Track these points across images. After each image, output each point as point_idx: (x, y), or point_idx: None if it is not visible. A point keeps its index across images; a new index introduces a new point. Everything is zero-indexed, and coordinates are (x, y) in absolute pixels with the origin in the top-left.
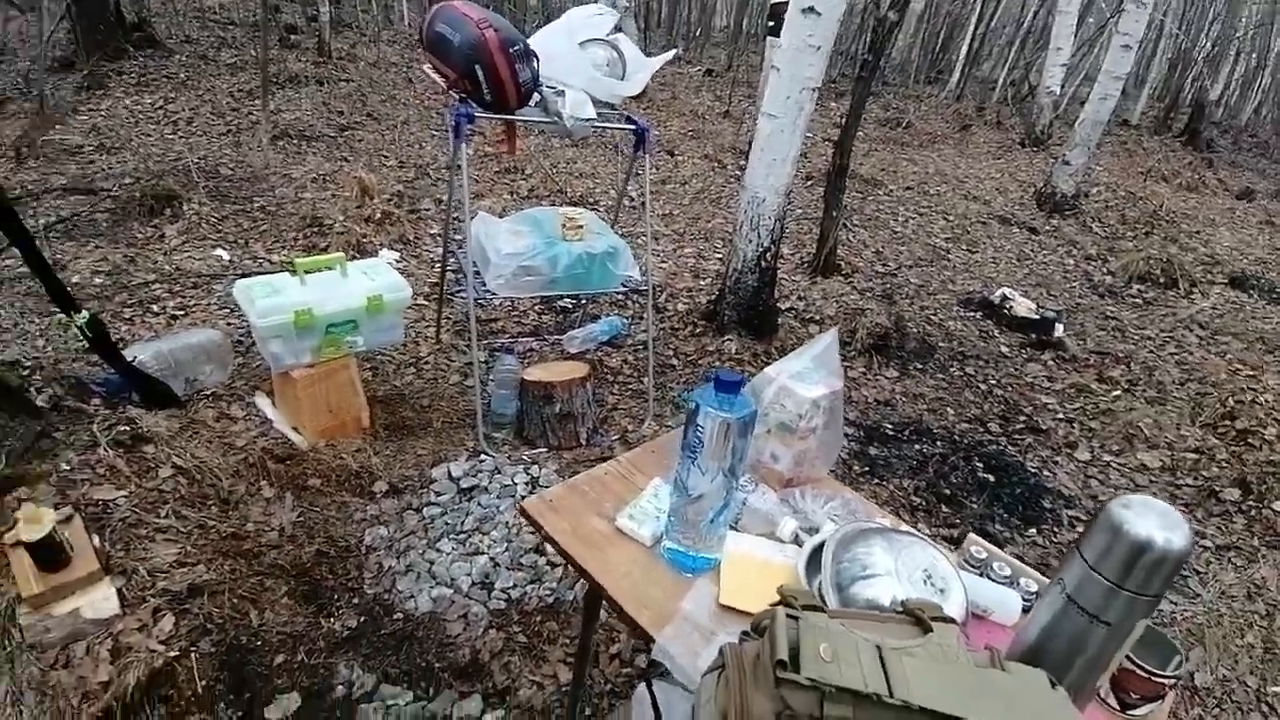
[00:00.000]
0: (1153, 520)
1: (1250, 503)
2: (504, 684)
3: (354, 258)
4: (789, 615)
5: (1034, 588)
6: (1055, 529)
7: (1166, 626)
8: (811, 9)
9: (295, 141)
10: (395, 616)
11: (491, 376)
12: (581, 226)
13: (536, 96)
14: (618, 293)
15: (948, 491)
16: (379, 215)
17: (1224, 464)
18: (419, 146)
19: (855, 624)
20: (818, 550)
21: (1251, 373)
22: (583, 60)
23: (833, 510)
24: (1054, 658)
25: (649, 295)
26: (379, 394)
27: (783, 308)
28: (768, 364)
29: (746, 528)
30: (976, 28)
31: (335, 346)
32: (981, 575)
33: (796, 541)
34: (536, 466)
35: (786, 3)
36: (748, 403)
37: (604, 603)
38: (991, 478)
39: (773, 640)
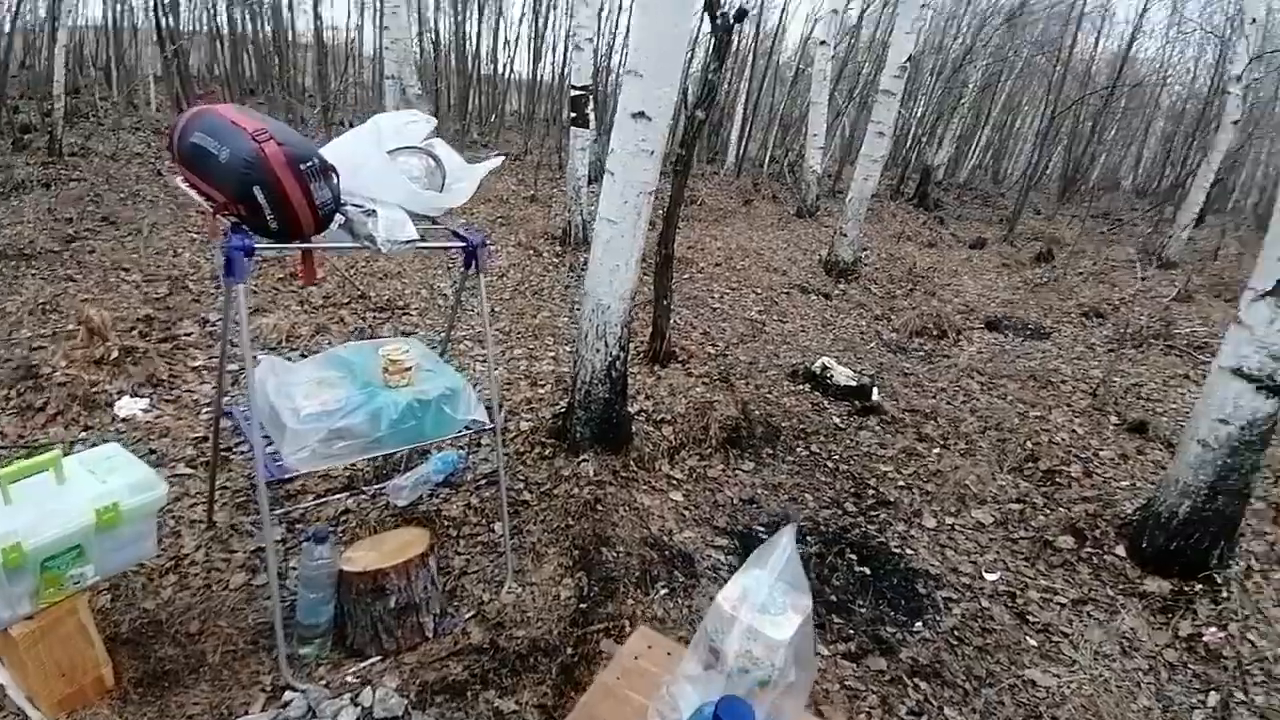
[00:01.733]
0: None
1: (1089, 549)
2: None
3: (71, 445)
4: None
5: None
6: (937, 617)
7: (1058, 706)
8: (642, 114)
9: (11, 263)
10: None
11: (297, 574)
12: (409, 369)
13: (340, 218)
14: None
15: (834, 599)
16: (114, 354)
17: (1044, 510)
18: (172, 254)
19: None
20: None
21: (1038, 414)
22: (394, 172)
23: None
24: None
25: (498, 434)
26: (123, 630)
27: (632, 411)
28: (627, 480)
29: None
30: (744, 112)
31: (57, 586)
32: None
33: None
34: (369, 690)
35: (586, 96)
36: None
37: None
38: (867, 570)
39: None
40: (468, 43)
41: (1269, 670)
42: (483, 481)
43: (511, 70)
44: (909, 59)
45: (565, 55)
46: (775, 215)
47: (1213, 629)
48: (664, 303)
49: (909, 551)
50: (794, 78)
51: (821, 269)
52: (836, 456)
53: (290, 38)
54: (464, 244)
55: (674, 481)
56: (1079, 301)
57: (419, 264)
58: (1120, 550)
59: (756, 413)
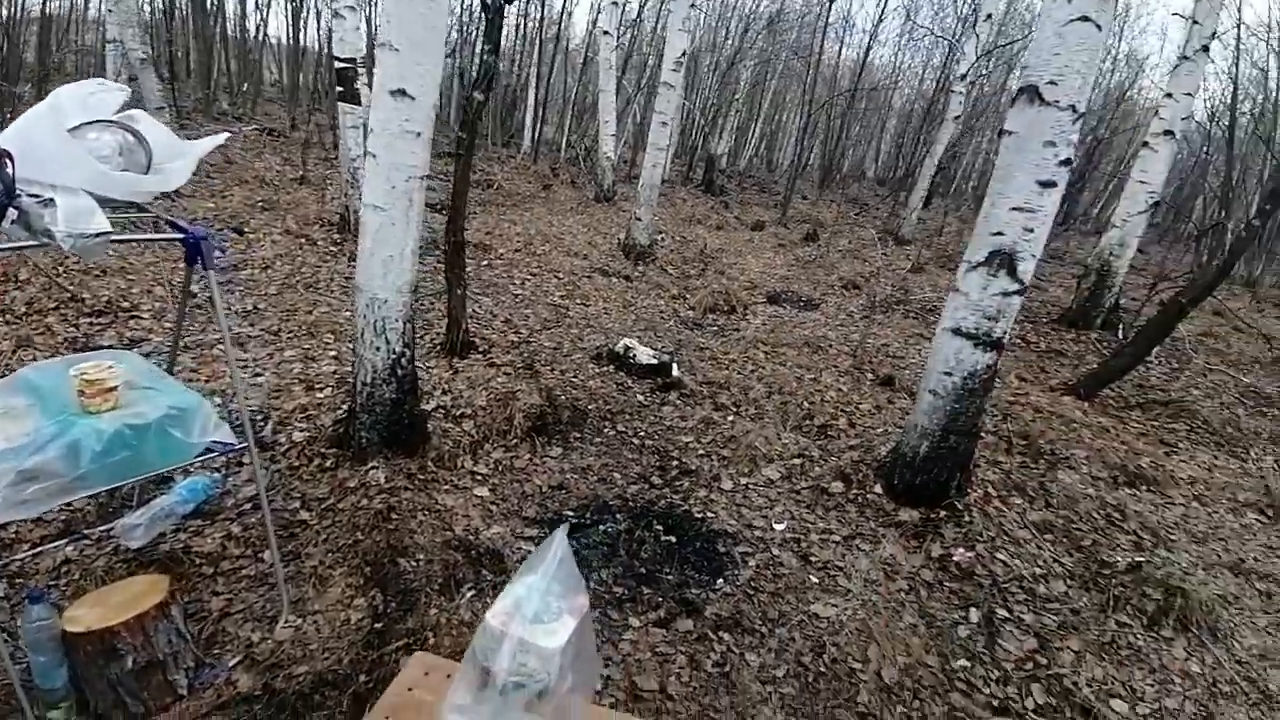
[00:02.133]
0: None
1: (854, 491)
2: None
3: None
4: None
5: None
6: (736, 571)
7: (837, 633)
8: (402, 92)
9: None
10: None
11: (22, 637)
12: (113, 389)
13: (13, 212)
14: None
15: (643, 570)
16: None
17: (820, 460)
18: None
19: None
20: None
21: (812, 376)
22: (77, 151)
23: None
24: None
25: (253, 453)
26: None
27: (428, 408)
28: (425, 481)
29: None
30: (536, 95)
31: None
32: None
33: None
34: None
35: (354, 69)
36: None
37: None
38: (673, 538)
39: None
40: (207, 2)
41: (1030, 589)
42: (247, 506)
43: (266, 35)
44: (683, 54)
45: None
46: (574, 200)
47: (960, 550)
48: (458, 292)
49: (710, 515)
50: (584, 64)
51: (620, 252)
52: (642, 433)
53: (19, 13)
54: (182, 237)
55: (479, 477)
56: (839, 275)
57: (149, 256)
58: (878, 489)
59: (562, 398)
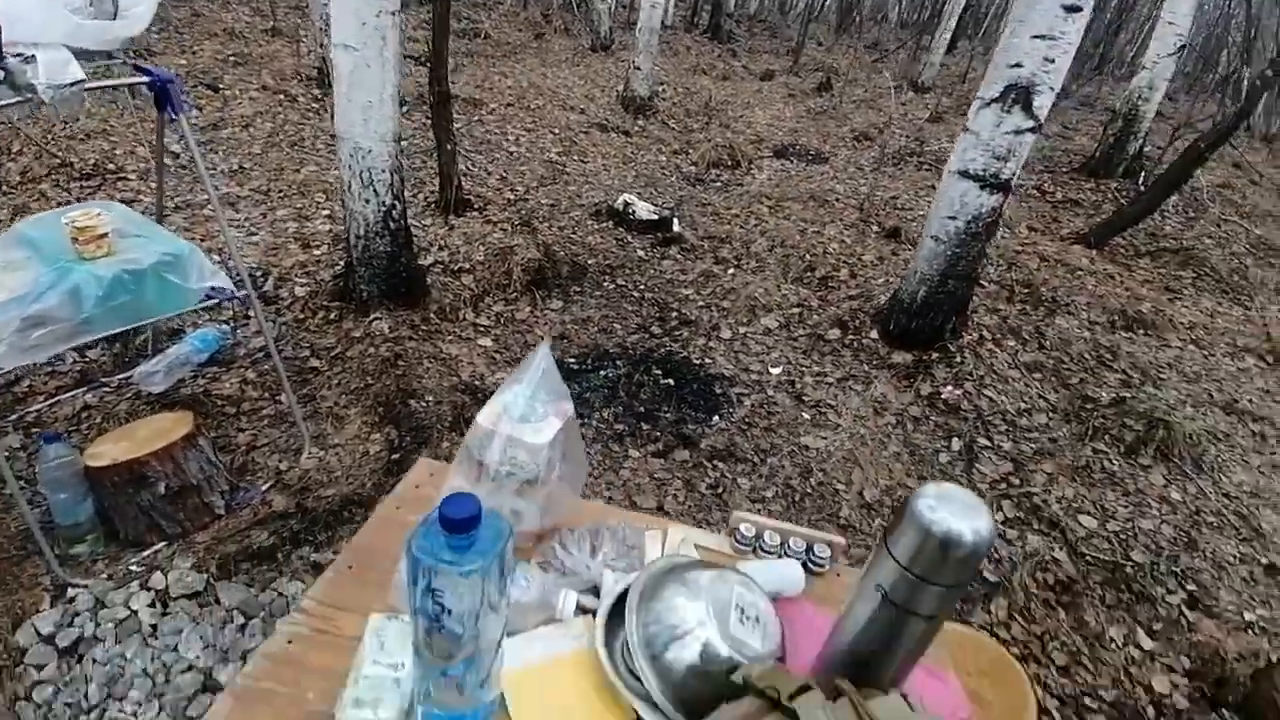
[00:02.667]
0: (957, 514)
1: (850, 336)
2: None
3: None
4: None
5: (802, 544)
6: (731, 410)
7: (824, 461)
8: None
9: None
10: None
11: (39, 478)
12: (103, 235)
13: (0, 73)
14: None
15: (642, 409)
16: None
17: (819, 310)
18: None
19: None
20: (612, 612)
21: (815, 229)
22: (56, 7)
23: (607, 556)
24: (876, 652)
25: (254, 300)
26: None
27: (426, 263)
28: (429, 332)
29: (516, 625)
30: None
31: None
32: (755, 553)
33: (581, 610)
34: (159, 573)
35: None
36: (497, 530)
37: None
38: (671, 381)
39: None
40: None
41: (1012, 421)
42: (259, 355)
43: None
44: None
45: None
46: (569, 49)
47: (949, 387)
48: (448, 147)
49: (708, 361)
50: None
51: (619, 105)
52: (642, 286)
53: None
54: (149, 79)
55: (481, 328)
56: (851, 127)
57: (129, 117)
58: (874, 334)
59: (561, 253)
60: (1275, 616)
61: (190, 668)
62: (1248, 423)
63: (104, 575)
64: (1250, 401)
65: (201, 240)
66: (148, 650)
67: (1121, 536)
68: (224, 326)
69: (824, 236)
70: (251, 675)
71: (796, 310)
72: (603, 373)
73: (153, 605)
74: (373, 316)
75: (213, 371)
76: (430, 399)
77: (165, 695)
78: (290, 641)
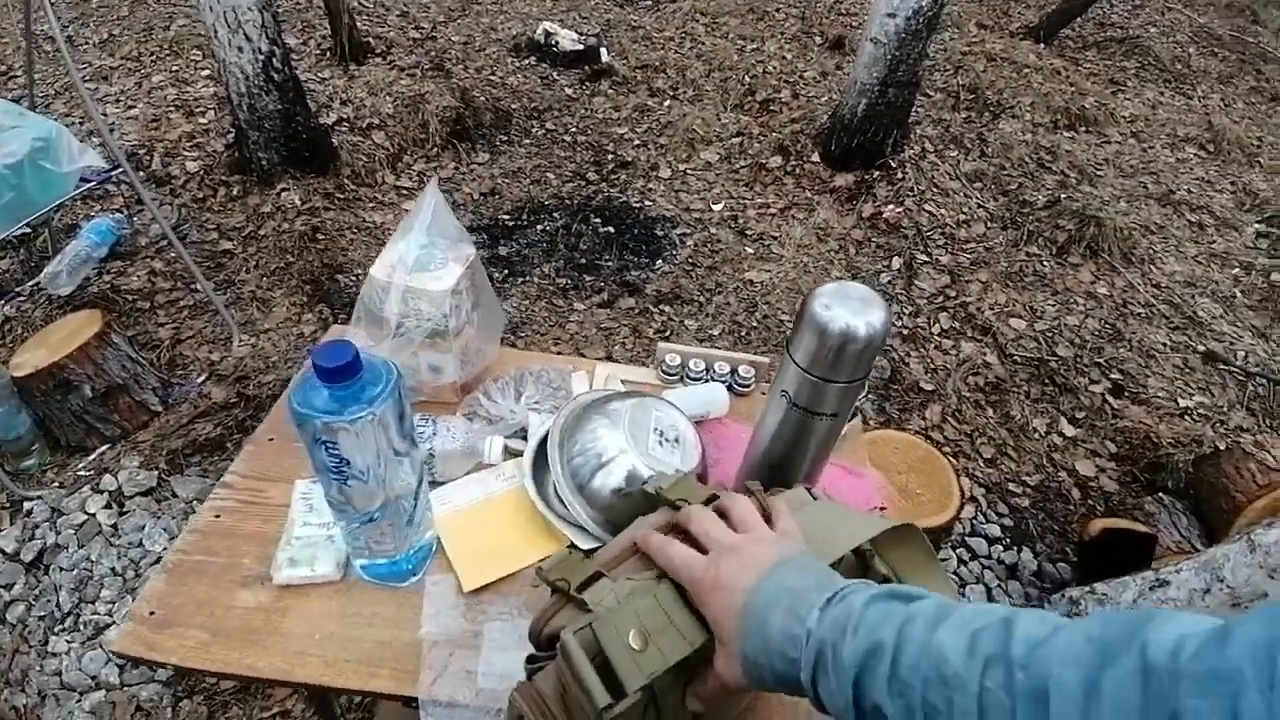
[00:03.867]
0: (851, 310)
1: (792, 163)
2: None
3: None
4: (575, 621)
5: (726, 367)
6: (674, 252)
7: (769, 293)
8: None
9: None
10: None
11: None
12: None
13: None
14: (83, 193)
15: (584, 260)
16: None
17: (759, 138)
18: None
19: (641, 562)
20: (537, 453)
21: (754, 46)
22: None
23: (529, 398)
24: (787, 455)
25: (129, 173)
26: None
27: (329, 122)
28: (346, 201)
29: (446, 474)
30: None
31: None
32: (682, 381)
33: (510, 454)
34: (109, 476)
35: None
36: (378, 372)
37: (342, 700)
38: (611, 229)
39: (577, 679)
40: None
41: (950, 234)
42: (163, 243)
43: None
44: None
45: None
46: None
47: (890, 206)
48: None
49: (648, 203)
50: None
51: None
52: (574, 129)
53: None
54: None
55: (403, 191)
56: None
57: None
58: (815, 157)
59: (481, 98)
60: (1217, 404)
61: (158, 560)
62: (1184, 213)
63: (55, 484)
64: (1188, 191)
65: (82, 123)
66: (112, 549)
67: (1048, 335)
68: (118, 215)
69: (764, 54)
70: (183, 550)
71: (737, 140)
72: (539, 226)
73: (109, 506)
74: (279, 188)
75: (117, 266)
76: (359, 271)
77: (137, 588)
78: (218, 515)
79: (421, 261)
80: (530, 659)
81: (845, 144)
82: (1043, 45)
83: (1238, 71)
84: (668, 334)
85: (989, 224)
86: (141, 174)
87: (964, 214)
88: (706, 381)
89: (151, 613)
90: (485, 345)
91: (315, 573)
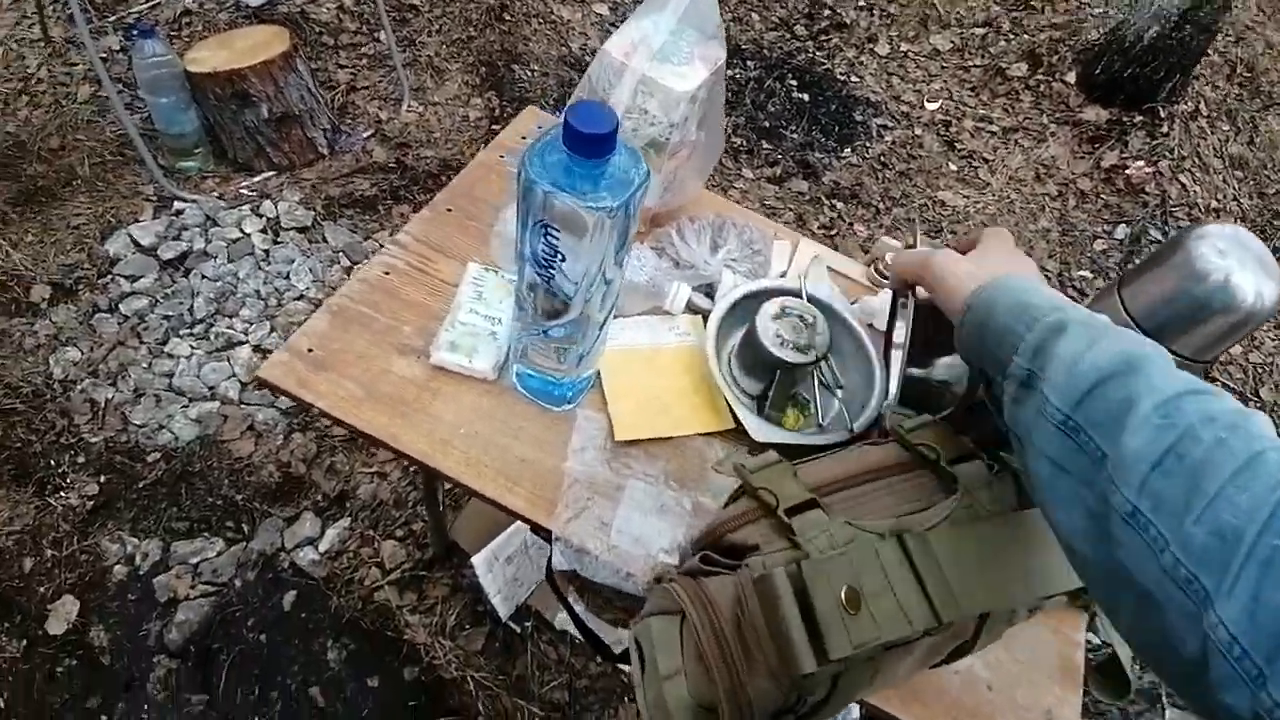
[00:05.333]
0: (1253, 270)
1: (1039, 76)
2: (336, 489)
3: None
4: (777, 550)
5: None
6: (867, 143)
7: (959, 221)
8: None
9: None
10: (151, 459)
11: (136, 79)
12: None
13: None
14: None
15: (766, 124)
16: None
17: (1009, 34)
18: None
19: (859, 501)
20: (724, 317)
21: None
22: None
23: (729, 254)
24: None
25: None
26: None
27: None
28: None
29: (621, 308)
30: None
31: None
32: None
33: (691, 310)
34: (269, 201)
35: None
36: (633, 164)
37: (447, 488)
38: (806, 96)
39: (776, 624)
40: None
41: (1196, 219)
42: None
43: None
44: None
45: None
46: None
47: (1140, 163)
48: None
49: (854, 79)
50: None
51: None
52: None
53: None
54: None
55: None
56: None
57: None
58: (1070, 77)
59: None
60: None
61: (301, 296)
62: None
63: (214, 194)
64: None
65: None
66: (260, 273)
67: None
68: None
69: None
70: (349, 296)
71: (981, 31)
72: (729, 72)
73: (264, 232)
74: None
75: None
76: (536, 68)
77: (277, 318)
78: (387, 273)
79: (665, 51)
80: (704, 558)
81: (1115, 71)
82: None
83: None
84: (834, 232)
85: (1239, 221)
86: None
87: (1218, 200)
88: None
89: (310, 350)
90: (692, 177)
91: (472, 365)
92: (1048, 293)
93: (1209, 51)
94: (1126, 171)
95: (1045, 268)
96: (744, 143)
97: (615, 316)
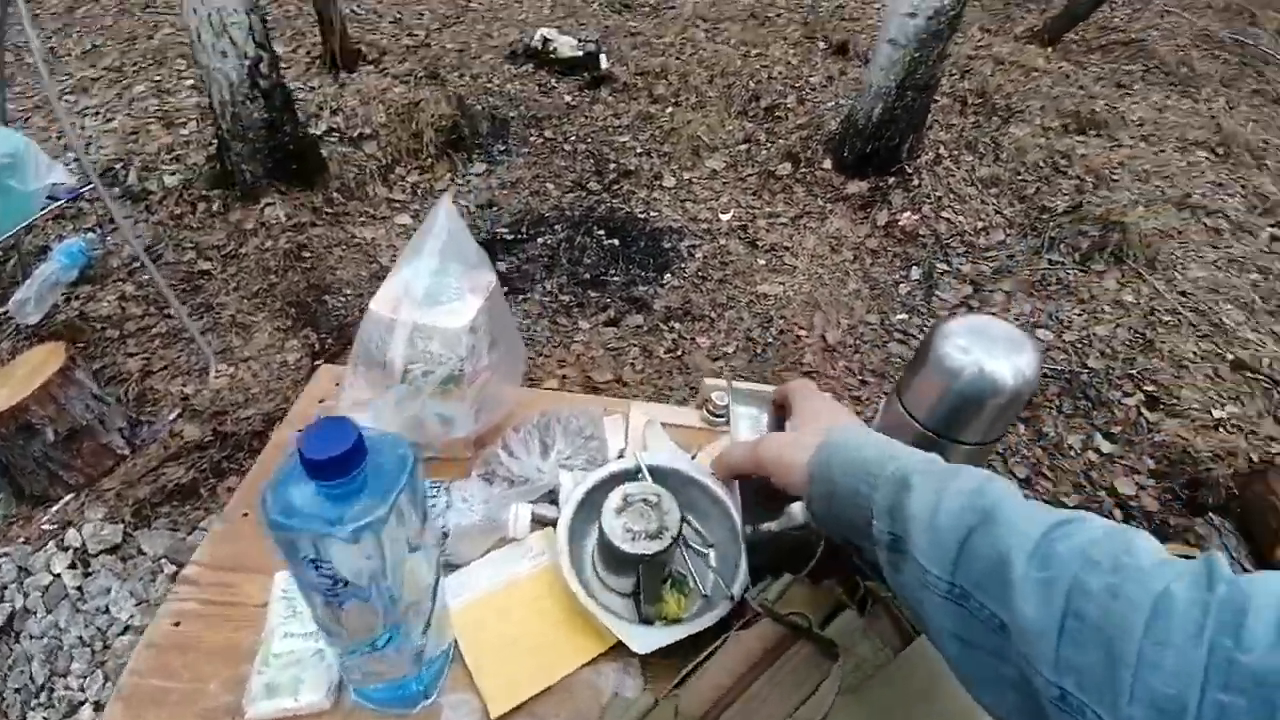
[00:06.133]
0: (994, 353)
1: (802, 170)
2: None
3: None
4: None
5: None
6: (682, 265)
7: (784, 307)
8: None
9: None
10: None
11: None
12: None
13: None
14: (52, 212)
15: (588, 275)
16: None
17: (767, 144)
18: None
19: (750, 713)
20: (573, 523)
21: (758, 52)
22: None
23: (559, 453)
24: None
25: (100, 188)
26: None
27: (317, 132)
28: (335, 216)
29: (461, 555)
30: None
31: None
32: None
33: (539, 524)
34: (72, 530)
35: None
36: (387, 456)
37: None
38: (616, 241)
39: None
40: None
41: (970, 241)
42: (135, 264)
43: None
44: None
45: None
46: None
47: (907, 214)
48: None
49: (653, 214)
50: None
51: None
52: (574, 137)
53: None
54: None
55: (396, 204)
56: None
57: None
58: (827, 164)
59: (477, 107)
60: (1247, 414)
61: (126, 629)
62: (1200, 217)
63: (20, 540)
64: (1202, 195)
65: (58, 138)
66: (79, 616)
67: (1077, 346)
68: (90, 234)
69: (768, 59)
70: (138, 672)
71: (743, 147)
72: (540, 240)
73: (73, 566)
74: (263, 203)
75: (87, 290)
76: (349, 292)
77: (107, 663)
78: (177, 623)
79: (432, 293)
80: None
81: (859, 150)
82: (1049, 49)
83: (1239, 74)
84: (679, 353)
85: (1008, 231)
86: (117, 189)
87: (982, 220)
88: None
89: None
90: (503, 389)
91: (299, 703)
92: (873, 441)
93: (937, 98)
94: (900, 224)
95: (868, 321)
96: (572, 299)
97: (456, 565)
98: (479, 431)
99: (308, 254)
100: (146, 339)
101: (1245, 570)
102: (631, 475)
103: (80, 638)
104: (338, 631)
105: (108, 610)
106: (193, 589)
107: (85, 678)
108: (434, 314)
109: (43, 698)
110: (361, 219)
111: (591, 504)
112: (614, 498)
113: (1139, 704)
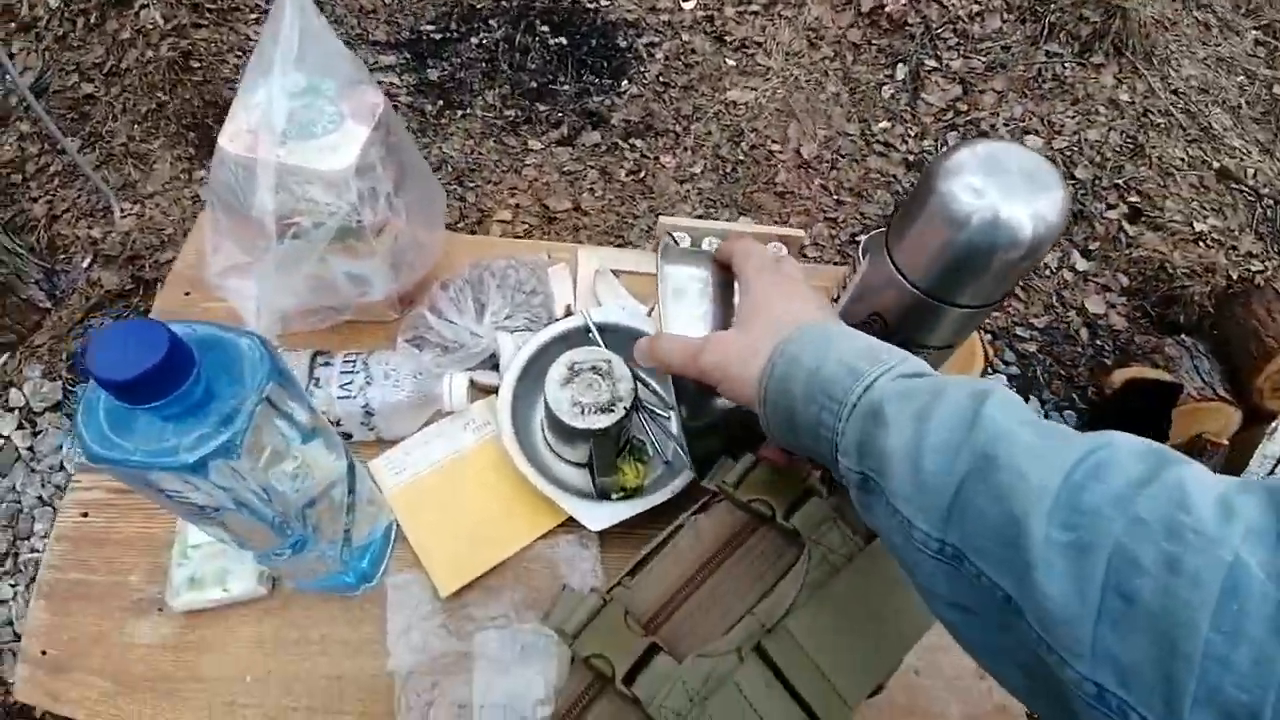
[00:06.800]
0: (1013, 195)
1: None
2: None
3: None
4: None
5: None
6: (641, 68)
7: (756, 118)
8: None
9: None
10: None
11: None
12: None
13: None
14: None
15: (534, 84)
16: None
17: None
18: None
19: (707, 610)
20: (516, 389)
21: None
22: None
23: (495, 312)
24: None
25: None
26: None
27: None
28: (221, 12)
29: (394, 431)
30: None
31: None
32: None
33: (481, 391)
34: (15, 390)
35: None
36: (226, 355)
37: None
38: (563, 40)
39: None
40: None
41: (963, 31)
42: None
43: None
44: None
45: None
46: None
47: None
48: None
49: (604, 4)
50: None
51: None
52: None
53: None
54: None
55: None
56: None
57: None
58: None
59: None
60: (1229, 227)
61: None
62: (1191, 9)
63: None
64: None
65: None
66: (35, 476)
67: (1067, 154)
68: None
69: None
70: (55, 566)
71: None
72: (474, 40)
73: (21, 427)
74: (138, 4)
75: None
76: None
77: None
78: (85, 514)
79: (301, 121)
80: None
81: None
82: None
83: None
84: (642, 174)
85: (1005, 15)
86: (14, 24)
87: (979, 3)
88: None
89: (44, 652)
90: (424, 234)
91: (231, 593)
92: (836, 348)
93: None
94: (886, 8)
95: (847, 131)
96: (519, 113)
97: (390, 443)
98: (402, 289)
99: (196, 64)
100: (46, 179)
101: (1222, 396)
102: (580, 335)
103: (39, 497)
104: (236, 540)
105: (62, 467)
106: (94, 476)
107: (47, 537)
108: (306, 151)
109: (8, 565)
110: (254, 14)
111: (538, 369)
112: (558, 368)
113: (1202, 708)
